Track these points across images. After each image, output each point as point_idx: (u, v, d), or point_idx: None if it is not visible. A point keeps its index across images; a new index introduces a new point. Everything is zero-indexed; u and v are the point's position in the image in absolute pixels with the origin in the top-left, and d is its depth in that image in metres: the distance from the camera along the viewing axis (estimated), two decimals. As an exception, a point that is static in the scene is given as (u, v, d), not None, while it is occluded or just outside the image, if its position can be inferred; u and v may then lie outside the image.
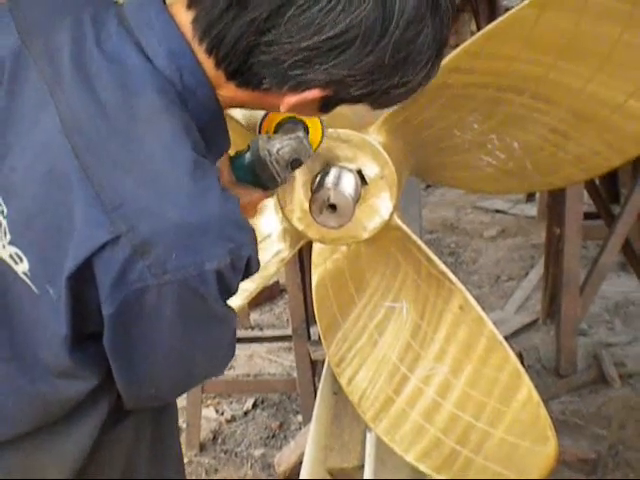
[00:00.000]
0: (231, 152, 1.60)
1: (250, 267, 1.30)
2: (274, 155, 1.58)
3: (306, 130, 1.70)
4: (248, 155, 1.60)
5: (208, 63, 1.30)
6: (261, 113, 1.72)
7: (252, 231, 1.30)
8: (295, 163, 1.61)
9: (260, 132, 1.71)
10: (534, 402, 1.98)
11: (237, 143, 1.57)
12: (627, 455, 3.85)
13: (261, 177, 1.60)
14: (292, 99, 1.31)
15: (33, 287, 1.27)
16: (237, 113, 1.86)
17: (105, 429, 1.43)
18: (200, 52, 1.29)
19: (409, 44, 1.26)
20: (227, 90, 1.33)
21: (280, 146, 1.59)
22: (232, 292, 1.32)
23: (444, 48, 1.35)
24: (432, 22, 1.28)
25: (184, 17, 1.29)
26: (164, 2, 1.33)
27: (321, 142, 1.73)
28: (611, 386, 4.39)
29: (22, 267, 1.27)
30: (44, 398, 1.36)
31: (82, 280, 1.22)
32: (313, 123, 1.71)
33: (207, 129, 1.33)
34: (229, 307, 1.36)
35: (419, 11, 1.25)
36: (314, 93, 1.29)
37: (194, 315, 1.30)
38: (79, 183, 1.21)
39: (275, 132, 1.72)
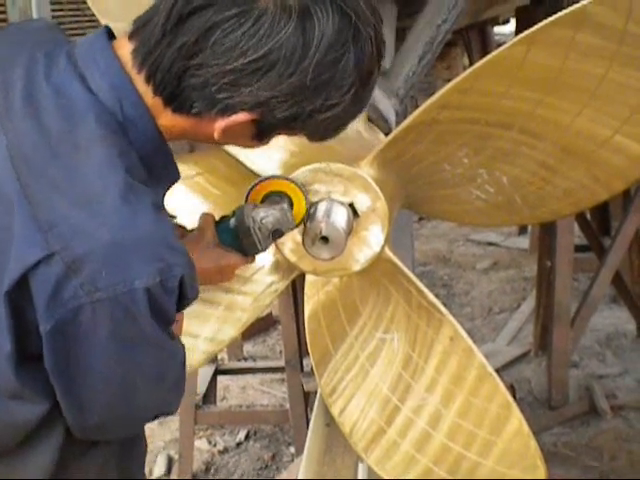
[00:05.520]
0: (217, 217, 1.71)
1: (184, 289, 1.34)
2: (257, 223, 1.67)
3: (290, 204, 1.76)
4: (233, 220, 1.69)
5: (147, 92, 1.37)
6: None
7: (185, 254, 1.34)
8: (276, 234, 1.70)
9: (247, 201, 1.77)
10: (524, 433, 1.99)
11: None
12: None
13: (243, 242, 1.69)
14: (222, 123, 1.37)
15: None
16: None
17: (65, 459, 1.43)
18: (139, 81, 1.37)
19: (330, 67, 1.32)
20: (166, 118, 1.40)
21: (264, 215, 1.68)
22: (167, 314, 1.35)
23: (371, 77, 1.40)
24: (354, 48, 1.34)
25: (126, 49, 1.38)
26: (112, 37, 1.42)
27: (303, 218, 1.80)
28: (602, 418, 4.41)
29: None
30: None
31: (20, 297, 1.27)
32: (297, 199, 1.78)
33: (152, 159, 1.40)
34: (170, 336, 1.39)
35: (340, 37, 1.32)
36: (242, 117, 1.35)
37: (128, 336, 1.32)
38: (19, 205, 1.27)
39: (261, 203, 1.78)
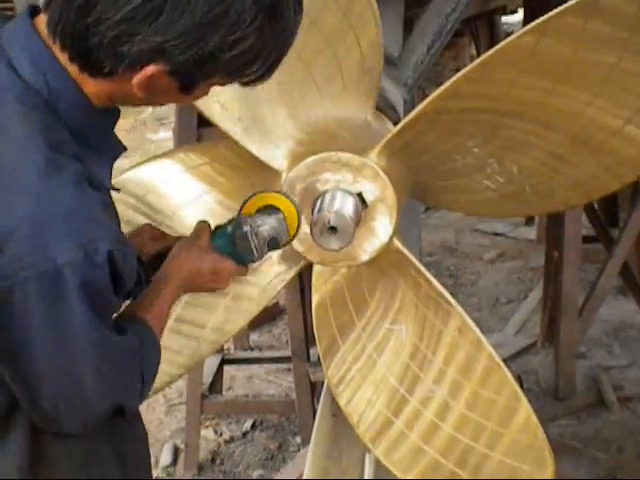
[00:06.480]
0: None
1: (116, 264, 1.33)
2: (255, 229, 1.69)
3: (284, 218, 1.75)
4: (230, 227, 1.72)
5: (66, 60, 1.37)
6: None
7: (112, 228, 1.35)
8: (272, 242, 1.72)
9: (240, 213, 1.77)
10: (532, 424, 1.98)
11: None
12: (626, 478, 3.85)
13: (239, 248, 1.70)
14: (136, 79, 1.35)
15: None
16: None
17: (41, 447, 1.44)
18: (57, 51, 1.37)
19: (221, 1, 1.29)
20: (88, 85, 1.39)
21: (261, 222, 1.71)
22: (102, 293, 1.33)
23: (279, 11, 1.36)
24: None
25: (42, 23, 1.39)
26: (35, 15, 1.42)
27: (297, 233, 1.79)
28: (610, 409, 4.39)
29: None
30: None
31: None
32: (290, 214, 1.76)
33: (86, 130, 1.40)
34: (106, 324, 1.37)
35: None
36: (152, 69, 1.33)
37: (61, 318, 1.30)
38: None
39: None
